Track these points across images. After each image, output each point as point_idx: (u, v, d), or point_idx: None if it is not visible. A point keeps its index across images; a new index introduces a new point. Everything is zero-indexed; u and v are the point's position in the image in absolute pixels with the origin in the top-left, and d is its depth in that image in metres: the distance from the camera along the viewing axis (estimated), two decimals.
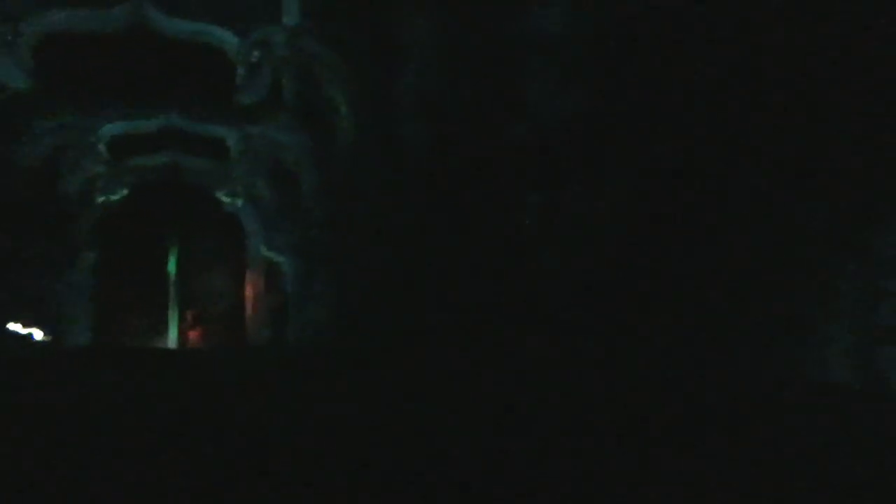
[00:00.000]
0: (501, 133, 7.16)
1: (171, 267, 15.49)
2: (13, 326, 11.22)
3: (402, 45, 10.22)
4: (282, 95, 12.03)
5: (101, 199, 11.84)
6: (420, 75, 9.45)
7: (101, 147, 11.84)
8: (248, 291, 13.94)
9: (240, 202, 12.07)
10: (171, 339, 15.44)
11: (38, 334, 11.54)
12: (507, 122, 7.17)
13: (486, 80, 7.86)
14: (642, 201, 5.79)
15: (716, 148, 5.38)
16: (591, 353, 5.92)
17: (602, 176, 6.05)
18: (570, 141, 6.16)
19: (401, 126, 9.92)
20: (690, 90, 5.53)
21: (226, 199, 12.16)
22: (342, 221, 11.23)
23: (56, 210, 11.36)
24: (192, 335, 15.80)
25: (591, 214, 6.10)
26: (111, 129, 11.88)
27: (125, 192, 12.21)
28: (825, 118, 4.79)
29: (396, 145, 9.96)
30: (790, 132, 4.94)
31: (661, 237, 5.67)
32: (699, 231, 5.47)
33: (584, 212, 6.17)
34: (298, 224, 11.96)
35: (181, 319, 15.58)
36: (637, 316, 5.69)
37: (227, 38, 11.80)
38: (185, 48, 12.14)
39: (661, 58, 5.71)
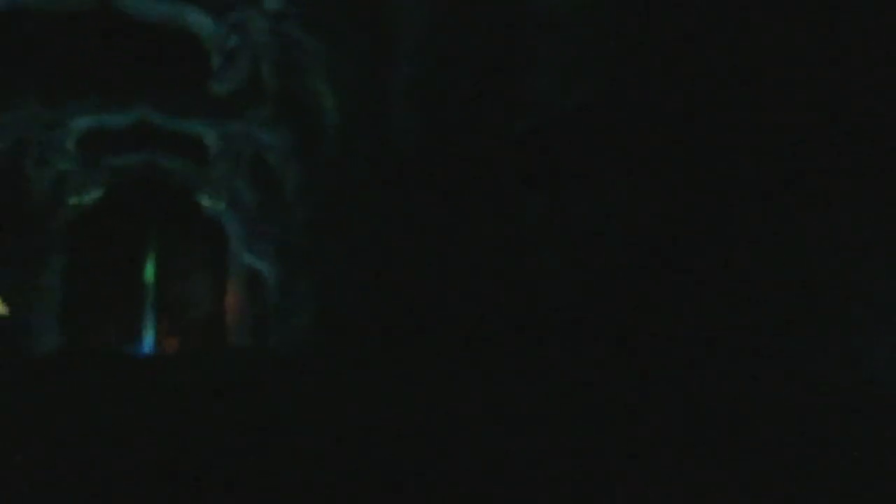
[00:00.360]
0: (501, 130, 7.49)
1: (149, 272, 15.72)
2: None
3: (395, 33, 10.29)
4: (261, 86, 12.04)
5: (73, 200, 11.98)
6: (414, 65, 9.54)
7: (70, 143, 11.93)
8: (229, 298, 14.15)
9: (222, 205, 12.18)
10: (147, 347, 15.71)
11: None
12: (508, 119, 7.51)
13: (485, 71, 8.15)
14: (642, 201, 6.18)
15: (717, 147, 5.76)
16: (591, 353, 6.31)
17: (602, 176, 6.44)
18: (571, 140, 6.55)
19: (393, 121, 10.01)
20: (691, 89, 5.92)
21: (207, 203, 12.28)
22: (329, 223, 11.37)
23: (23, 210, 11.51)
24: (169, 343, 16.10)
25: (591, 214, 6.50)
26: (80, 123, 11.95)
27: (99, 192, 12.35)
28: (828, 117, 5.17)
29: (387, 142, 10.05)
30: (793, 131, 5.32)
31: (661, 237, 6.06)
32: (700, 231, 5.85)
33: (584, 212, 6.57)
34: (282, 228, 12.10)
35: (158, 326, 15.86)
36: (638, 316, 6.08)
37: (202, 22, 11.78)
38: (157, 33, 12.19)
39: (662, 57, 6.10)
